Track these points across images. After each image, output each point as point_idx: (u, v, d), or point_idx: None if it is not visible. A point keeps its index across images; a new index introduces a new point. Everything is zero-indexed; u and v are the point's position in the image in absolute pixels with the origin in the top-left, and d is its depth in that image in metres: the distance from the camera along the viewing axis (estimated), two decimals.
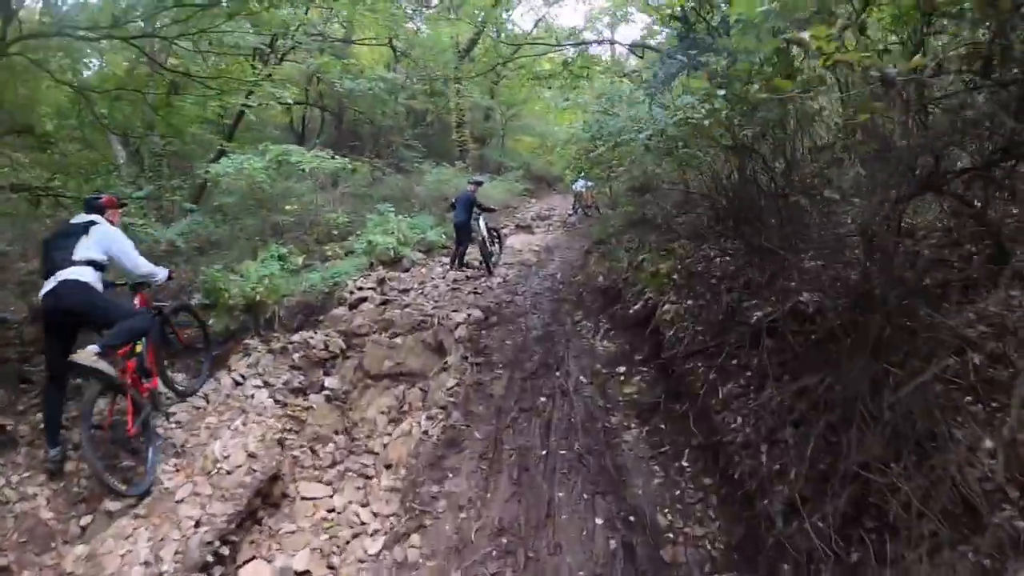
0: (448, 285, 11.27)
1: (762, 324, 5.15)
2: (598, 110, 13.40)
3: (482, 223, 13.06)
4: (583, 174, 18.26)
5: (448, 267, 12.68)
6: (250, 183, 13.30)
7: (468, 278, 11.81)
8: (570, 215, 20.01)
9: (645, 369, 6.96)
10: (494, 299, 10.15)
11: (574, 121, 19.22)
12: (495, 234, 14.11)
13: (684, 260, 7.56)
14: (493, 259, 13.23)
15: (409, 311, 9.53)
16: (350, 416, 7.47)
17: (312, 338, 9.03)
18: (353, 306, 10.19)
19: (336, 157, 13.99)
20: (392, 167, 20.19)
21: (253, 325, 9.87)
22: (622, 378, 6.94)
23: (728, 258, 6.87)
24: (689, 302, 6.91)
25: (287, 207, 13.13)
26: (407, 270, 13.03)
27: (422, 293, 10.81)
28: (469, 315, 9.04)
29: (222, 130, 17.52)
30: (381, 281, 11.19)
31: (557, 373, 7.25)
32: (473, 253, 13.06)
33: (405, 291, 10.98)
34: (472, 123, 28.00)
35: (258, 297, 10.09)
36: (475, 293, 10.64)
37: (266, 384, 7.74)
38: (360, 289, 10.80)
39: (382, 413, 7.39)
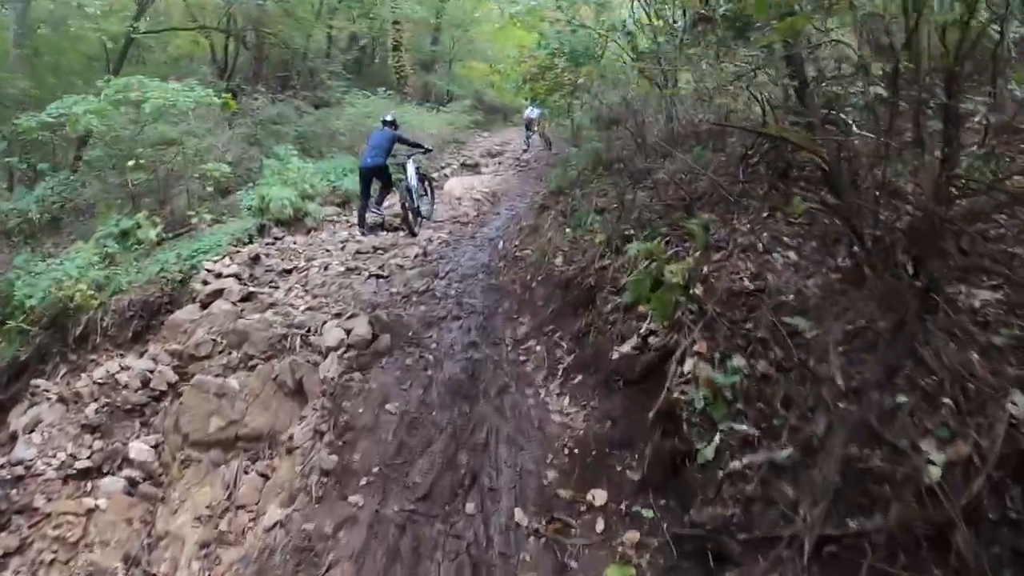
0: (346, 260, 8.20)
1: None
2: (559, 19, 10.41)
3: (411, 168, 10.05)
4: (536, 100, 15.48)
5: (360, 230, 9.75)
6: (111, 132, 10.14)
7: (376, 249, 8.72)
8: (524, 150, 16.99)
9: (652, 505, 3.45)
10: (401, 289, 7.13)
11: (529, 39, 16.10)
12: (426, 183, 11.06)
13: (711, 256, 4.31)
14: (422, 213, 10.32)
15: (273, 315, 6.48)
16: (157, 522, 4.59)
17: (126, 370, 6.03)
18: (205, 303, 7.11)
19: (213, 90, 10.71)
20: (316, 101, 16.71)
21: (58, 347, 7.13)
22: (601, 534, 3.44)
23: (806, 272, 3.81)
24: (738, 360, 3.45)
25: (133, 162, 9.78)
26: (311, 231, 10.07)
27: (305, 277, 7.69)
28: (350, 330, 5.91)
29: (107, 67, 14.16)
30: (255, 259, 8.08)
31: (469, 506, 3.80)
32: (392, 206, 10.17)
33: (285, 273, 7.90)
34: (414, 47, 24.37)
35: (75, 301, 7.26)
36: (378, 277, 7.57)
37: (30, 469, 4.93)
38: (219, 277, 7.62)
39: (196, 522, 4.39)
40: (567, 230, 7.06)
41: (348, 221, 10.60)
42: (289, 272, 7.84)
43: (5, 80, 13.52)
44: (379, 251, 8.54)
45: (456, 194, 12.25)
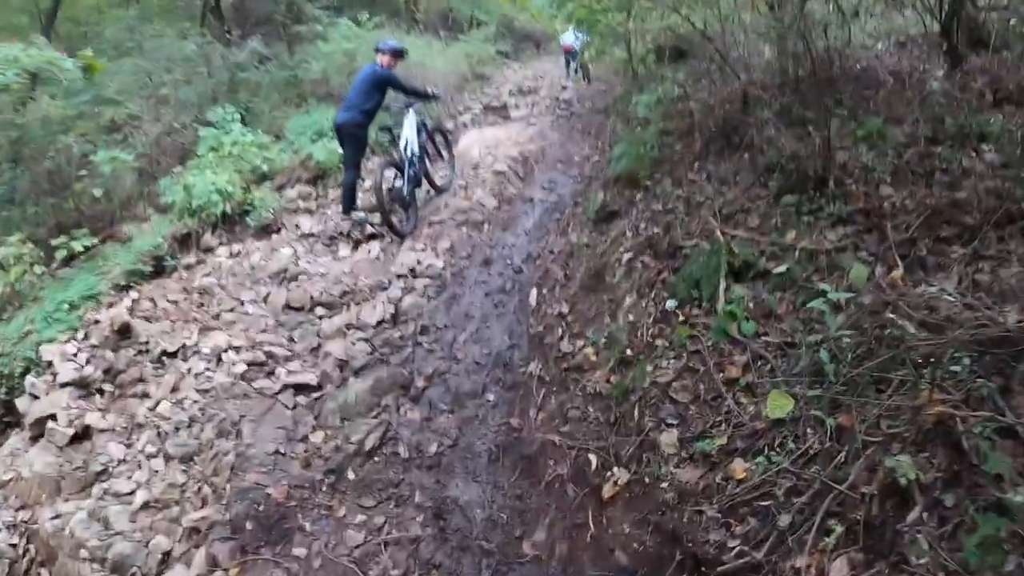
0: (259, 334, 4.84)
1: None
2: None
3: (411, 121, 6.69)
4: (578, 23, 11.63)
5: (345, 219, 6.53)
6: None
7: (317, 302, 5.22)
8: (563, 88, 13.28)
9: None
10: (330, 446, 3.87)
11: None
12: (438, 140, 7.63)
13: None
14: (438, 184, 7.22)
15: (81, 520, 3.35)
16: None
17: None
18: (35, 436, 4.13)
19: None
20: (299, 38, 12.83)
21: None
22: None
23: None
24: None
25: None
26: (268, 231, 6.83)
27: (177, 387, 4.36)
28: None
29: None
30: (123, 332, 4.71)
31: None
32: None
33: (161, 364, 4.59)
34: None
35: None
36: (300, 390, 4.29)
37: None
38: (55, 381, 4.44)
39: None
40: (662, 295, 3.77)
41: (321, 209, 7.27)
42: (173, 355, 4.60)
43: None
44: (320, 306, 5.17)
45: (472, 158, 8.66)
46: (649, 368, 3.36)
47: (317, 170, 8.13)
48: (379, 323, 4.83)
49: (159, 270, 6.15)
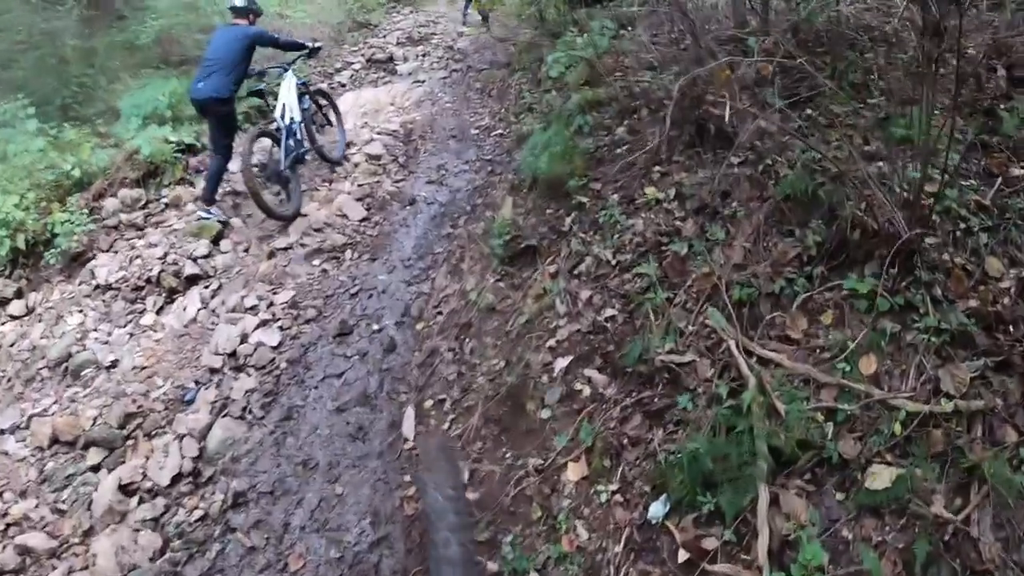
0: None
1: None
2: None
3: (290, 83, 5.45)
4: None
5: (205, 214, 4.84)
6: None
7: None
8: (460, 33, 11.11)
9: None
10: None
11: None
12: (323, 101, 6.28)
13: None
14: (328, 156, 5.79)
15: None
16: None
17: None
18: None
19: None
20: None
21: None
22: None
23: None
24: None
25: None
26: (88, 262, 4.65)
27: None
28: None
29: None
30: None
31: None
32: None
33: None
34: None
35: None
36: None
37: None
38: None
39: None
40: (637, 481, 1.95)
41: (153, 219, 5.23)
42: None
43: None
44: (95, 445, 3.22)
45: (351, 124, 6.62)
46: None
47: (147, 166, 5.85)
48: (173, 481, 2.90)
49: None
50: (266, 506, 2.81)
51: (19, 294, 4.80)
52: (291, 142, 5.13)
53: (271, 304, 4.03)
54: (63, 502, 3.06)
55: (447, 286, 3.92)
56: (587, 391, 2.44)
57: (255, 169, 4.80)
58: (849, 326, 2.06)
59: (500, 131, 6.37)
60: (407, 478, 2.74)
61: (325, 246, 4.58)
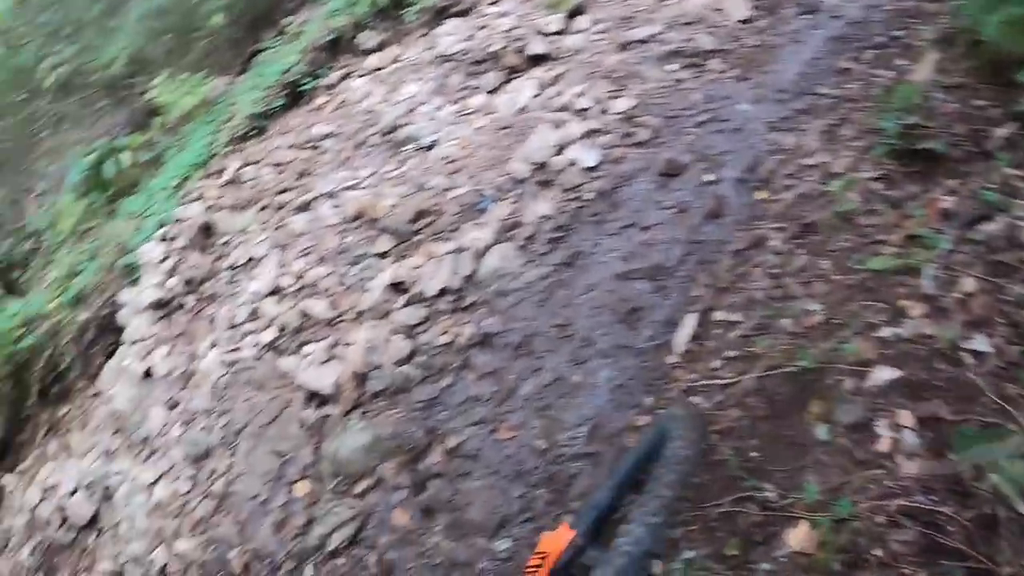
0: None
1: None
2: None
3: None
4: None
5: None
6: None
7: None
8: None
9: None
10: None
11: None
12: None
13: None
14: None
15: None
16: None
17: None
18: None
19: None
20: None
21: None
22: None
23: None
24: None
25: None
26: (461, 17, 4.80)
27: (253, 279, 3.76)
28: None
29: None
30: None
31: None
32: None
33: None
34: None
35: None
36: None
37: None
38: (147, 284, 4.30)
39: None
40: None
41: None
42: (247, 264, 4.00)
43: None
44: (387, 233, 3.55)
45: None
46: None
47: None
48: (440, 293, 3.02)
49: (296, 97, 5.00)
50: (506, 359, 2.67)
51: (380, 46, 4.93)
52: None
53: (605, 111, 3.46)
54: (351, 277, 3.30)
55: (814, 151, 3.07)
56: (885, 444, 1.87)
57: None
58: None
59: None
60: (649, 401, 2.34)
61: (688, 48, 3.71)
